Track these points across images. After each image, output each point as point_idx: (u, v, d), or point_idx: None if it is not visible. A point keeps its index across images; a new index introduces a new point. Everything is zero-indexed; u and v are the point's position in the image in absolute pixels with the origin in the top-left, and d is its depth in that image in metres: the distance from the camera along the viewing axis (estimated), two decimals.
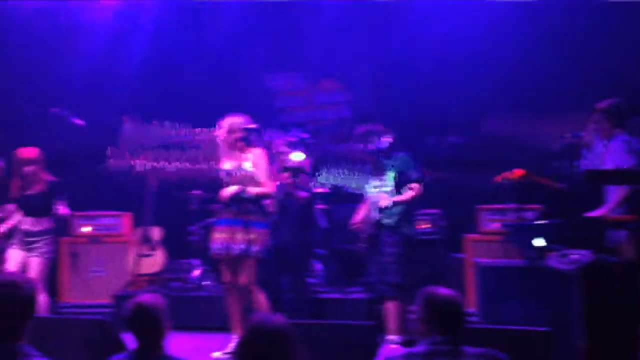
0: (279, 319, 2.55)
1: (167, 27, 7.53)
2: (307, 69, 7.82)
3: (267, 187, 5.00)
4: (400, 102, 7.12)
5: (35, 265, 5.39)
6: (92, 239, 6.85)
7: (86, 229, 6.88)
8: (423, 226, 6.47)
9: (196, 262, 6.79)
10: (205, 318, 5.97)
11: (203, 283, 6.55)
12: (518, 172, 5.05)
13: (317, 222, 6.51)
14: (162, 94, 7.53)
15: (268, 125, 6.95)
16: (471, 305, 5.26)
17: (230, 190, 4.92)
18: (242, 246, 4.86)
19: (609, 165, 4.62)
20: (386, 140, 5.00)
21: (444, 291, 2.88)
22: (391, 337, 4.86)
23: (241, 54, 7.65)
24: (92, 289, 6.69)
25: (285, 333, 2.49)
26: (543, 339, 3.44)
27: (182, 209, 6.94)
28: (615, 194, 4.62)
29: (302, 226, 5.88)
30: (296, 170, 5.69)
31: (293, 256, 5.65)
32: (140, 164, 7.53)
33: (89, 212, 6.93)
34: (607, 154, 4.74)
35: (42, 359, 2.58)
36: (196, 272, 6.66)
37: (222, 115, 5.16)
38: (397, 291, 4.87)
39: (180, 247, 6.98)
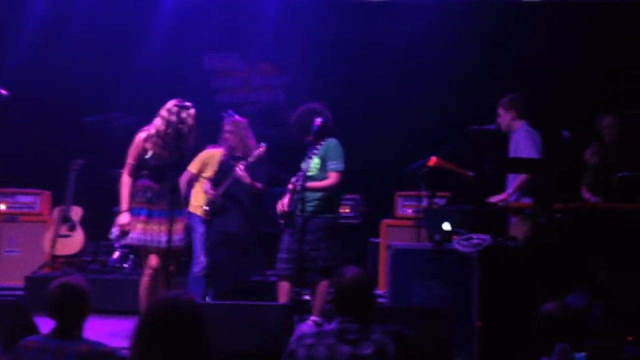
0: (184, 295, 2.57)
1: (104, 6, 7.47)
2: (246, 50, 7.86)
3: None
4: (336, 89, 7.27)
5: None
6: (6, 217, 6.65)
7: (1, 207, 6.70)
8: (344, 211, 6.68)
9: (117, 244, 6.74)
10: (122, 302, 5.85)
11: (122, 266, 6.53)
12: (432, 160, 5.29)
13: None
14: (100, 78, 7.47)
15: (204, 106, 6.98)
16: (384, 286, 5.49)
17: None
18: (177, 237, 4.86)
19: (512, 154, 4.95)
20: (317, 122, 4.97)
21: (352, 271, 2.95)
22: (314, 317, 4.96)
23: (179, 33, 7.65)
24: (5, 270, 6.49)
25: (188, 308, 2.42)
26: (443, 317, 3.69)
27: (107, 188, 6.87)
28: (514, 181, 4.97)
29: (252, 212, 5.81)
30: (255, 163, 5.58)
31: (241, 242, 5.69)
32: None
33: (4, 189, 6.73)
34: (511, 143, 5.09)
35: None
36: (116, 255, 6.62)
37: (158, 96, 5.08)
38: (317, 275, 4.96)
39: (102, 228, 6.91)
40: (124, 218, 4.90)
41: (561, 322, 2.57)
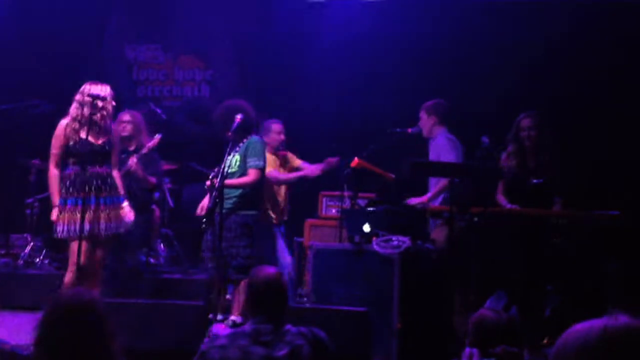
0: (88, 294, 2.48)
1: None
2: (169, 42, 7.70)
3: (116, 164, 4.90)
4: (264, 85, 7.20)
5: None
6: None
7: None
8: None
9: (29, 237, 6.47)
10: (35, 297, 5.53)
11: (34, 260, 6.26)
12: (354, 161, 5.31)
13: (166, 202, 6.44)
14: (17, 66, 7.16)
15: (126, 97, 6.79)
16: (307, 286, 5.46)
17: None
18: (103, 225, 4.67)
19: (432, 159, 5.00)
20: (237, 119, 4.87)
21: (266, 271, 2.93)
22: (233, 317, 4.87)
23: (102, 22, 7.45)
24: None
25: (91, 307, 2.38)
26: (360, 318, 3.69)
27: (20, 178, 6.58)
28: (435, 185, 5.03)
29: (143, 207, 5.65)
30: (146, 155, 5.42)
31: (133, 237, 5.52)
32: None
33: None
34: (431, 148, 5.14)
35: None
36: (27, 249, 6.34)
37: (78, 85, 4.84)
38: (237, 273, 4.89)
39: (13, 220, 6.62)
40: (53, 214, 4.70)
41: (498, 328, 2.60)
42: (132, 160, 5.24)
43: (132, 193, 5.39)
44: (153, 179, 5.61)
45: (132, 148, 5.50)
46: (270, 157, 5.66)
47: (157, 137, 5.39)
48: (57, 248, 5.98)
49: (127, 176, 5.25)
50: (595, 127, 6.13)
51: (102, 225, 4.66)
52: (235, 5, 7.49)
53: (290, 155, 5.94)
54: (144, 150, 5.35)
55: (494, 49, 6.57)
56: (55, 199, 4.71)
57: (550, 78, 6.43)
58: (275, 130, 5.77)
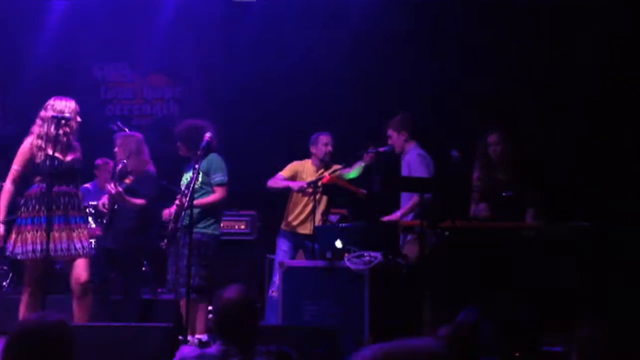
0: (52, 316, 2.41)
1: None
2: (137, 61, 7.66)
3: None
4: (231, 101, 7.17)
5: None
6: None
7: None
8: (240, 227, 6.56)
9: None
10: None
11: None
12: (326, 177, 5.29)
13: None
14: None
15: (94, 116, 6.70)
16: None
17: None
18: (76, 245, 4.57)
19: (405, 175, 4.99)
20: (206, 137, 4.90)
21: (231, 292, 2.85)
22: (198, 336, 4.83)
23: (68, 41, 7.39)
24: None
25: (56, 331, 2.31)
26: (330, 335, 3.65)
27: None
28: (407, 200, 5.01)
29: (135, 227, 5.39)
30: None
31: (123, 258, 5.38)
32: None
33: None
34: (403, 164, 5.12)
35: None
36: None
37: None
38: (198, 292, 4.83)
39: None
40: None
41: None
42: (111, 186, 5.12)
43: (123, 214, 5.27)
44: (140, 201, 5.26)
45: (130, 169, 5.31)
46: (310, 167, 5.70)
47: (122, 163, 5.27)
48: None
49: (113, 199, 5.18)
50: (566, 135, 6.14)
51: (77, 245, 4.56)
52: (202, 22, 7.48)
53: (335, 167, 5.71)
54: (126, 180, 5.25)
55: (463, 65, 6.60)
56: (1, 215, 4.57)
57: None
58: (323, 141, 5.73)
